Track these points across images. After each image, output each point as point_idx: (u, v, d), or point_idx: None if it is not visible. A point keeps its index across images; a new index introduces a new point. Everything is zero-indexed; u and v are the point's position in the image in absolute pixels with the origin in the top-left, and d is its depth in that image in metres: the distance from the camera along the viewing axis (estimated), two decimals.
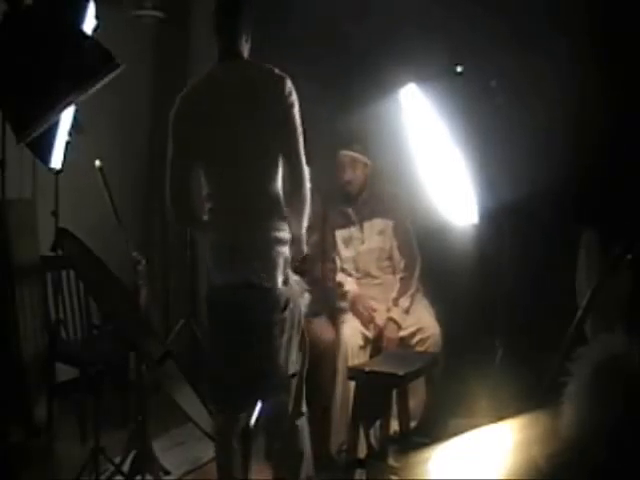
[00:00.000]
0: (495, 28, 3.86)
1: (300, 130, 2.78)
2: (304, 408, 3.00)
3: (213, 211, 2.85)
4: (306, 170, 2.80)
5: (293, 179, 2.78)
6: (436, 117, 3.20)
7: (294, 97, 2.76)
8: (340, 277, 4.10)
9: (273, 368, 2.81)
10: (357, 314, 3.96)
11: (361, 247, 4.10)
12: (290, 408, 2.94)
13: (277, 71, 2.78)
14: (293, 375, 2.92)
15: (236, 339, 2.82)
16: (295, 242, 2.90)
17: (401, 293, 3.98)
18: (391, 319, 3.91)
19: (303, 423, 3.01)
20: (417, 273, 4.04)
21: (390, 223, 4.07)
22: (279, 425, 2.93)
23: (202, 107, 2.80)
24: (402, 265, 4.05)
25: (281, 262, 2.79)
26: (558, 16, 3.86)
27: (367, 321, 3.94)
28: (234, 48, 2.85)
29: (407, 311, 3.94)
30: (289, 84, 2.76)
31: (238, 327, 2.80)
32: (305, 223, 2.86)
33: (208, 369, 3.00)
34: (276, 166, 2.77)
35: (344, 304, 4.03)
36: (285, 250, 2.80)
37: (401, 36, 4.08)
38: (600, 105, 3.68)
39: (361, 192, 4.08)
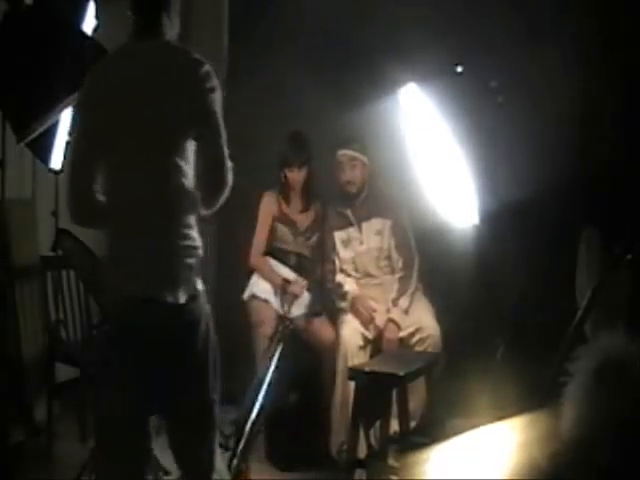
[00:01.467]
0: (495, 27, 3.86)
1: (220, 117, 2.45)
2: None
3: (110, 208, 2.49)
4: (227, 157, 2.45)
5: (211, 166, 2.44)
6: (436, 117, 3.20)
7: (213, 82, 2.43)
8: (339, 278, 4.10)
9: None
10: (357, 314, 3.96)
11: (360, 248, 4.09)
12: None
13: (196, 55, 2.46)
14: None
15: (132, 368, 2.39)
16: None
17: (400, 293, 3.97)
18: (391, 320, 3.90)
19: None
20: (415, 272, 4.04)
21: (388, 222, 4.06)
22: None
23: (110, 86, 2.47)
24: (400, 264, 4.05)
25: (188, 275, 2.42)
26: (561, 14, 3.86)
27: (367, 321, 3.94)
28: (152, 26, 2.50)
29: (406, 311, 3.93)
30: (207, 68, 2.43)
31: (135, 350, 2.37)
32: (218, 204, 2.51)
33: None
34: (187, 162, 2.44)
35: (344, 304, 4.03)
36: (193, 262, 2.43)
37: (401, 36, 4.08)
38: (603, 105, 3.69)
39: (360, 192, 4.07)
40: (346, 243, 4.10)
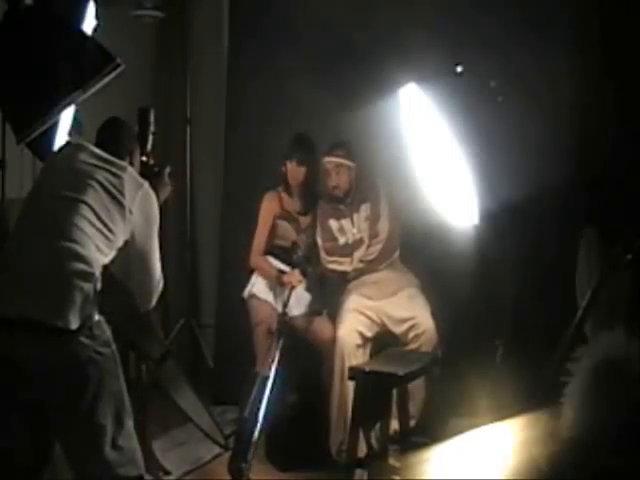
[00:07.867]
0: (495, 27, 3.86)
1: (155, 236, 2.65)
2: None
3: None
4: (153, 271, 2.67)
5: (138, 280, 2.65)
6: (436, 117, 3.20)
7: (149, 203, 2.63)
8: (333, 265, 4.10)
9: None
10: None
11: (354, 236, 4.09)
12: None
13: (138, 178, 2.62)
14: None
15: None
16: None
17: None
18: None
19: None
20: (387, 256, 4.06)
21: (368, 205, 4.07)
22: None
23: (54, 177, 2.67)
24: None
25: (80, 300, 2.23)
26: (558, 15, 3.87)
27: None
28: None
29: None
30: (145, 189, 2.61)
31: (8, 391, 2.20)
32: (152, 304, 2.73)
33: None
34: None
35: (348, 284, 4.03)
36: (87, 288, 2.26)
37: (401, 36, 4.08)
38: (603, 104, 3.69)
39: (348, 194, 4.08)
40: (341, 232, 4.11)
